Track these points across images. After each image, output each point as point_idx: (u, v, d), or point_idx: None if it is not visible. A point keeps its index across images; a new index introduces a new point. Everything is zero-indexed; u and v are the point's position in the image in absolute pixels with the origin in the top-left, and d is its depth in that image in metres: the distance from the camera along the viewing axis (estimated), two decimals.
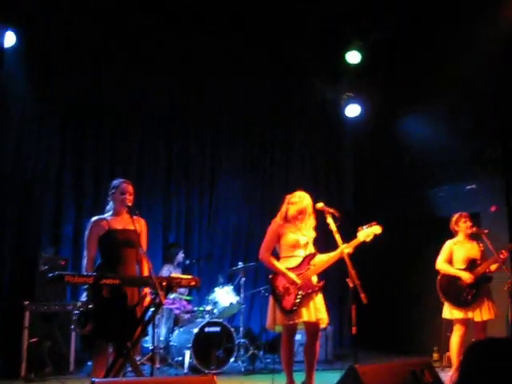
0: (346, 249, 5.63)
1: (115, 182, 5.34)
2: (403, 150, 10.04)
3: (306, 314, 5.63)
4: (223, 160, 10.31)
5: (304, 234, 5.89)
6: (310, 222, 5.92)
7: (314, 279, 5.81)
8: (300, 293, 5.64)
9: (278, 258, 5.92)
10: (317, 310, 5.70)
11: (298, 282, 5.66)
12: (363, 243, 5.82)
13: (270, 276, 5.83)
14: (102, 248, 5.19)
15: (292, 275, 5.68)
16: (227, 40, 9.79)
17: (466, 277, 6.59)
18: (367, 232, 5.81)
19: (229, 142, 10.42)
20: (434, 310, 7.60)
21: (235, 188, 10.29)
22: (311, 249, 5.94)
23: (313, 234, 5.96)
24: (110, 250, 5.17)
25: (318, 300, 5.77)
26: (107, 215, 5.29)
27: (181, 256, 8.78)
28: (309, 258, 5.84)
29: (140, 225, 5.28)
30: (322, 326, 5.93)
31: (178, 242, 9.33)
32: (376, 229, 5.86)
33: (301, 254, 5.86)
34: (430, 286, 7.12)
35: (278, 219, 5.95)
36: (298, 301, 5.61)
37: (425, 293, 8.63)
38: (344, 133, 11.33)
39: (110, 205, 5.34)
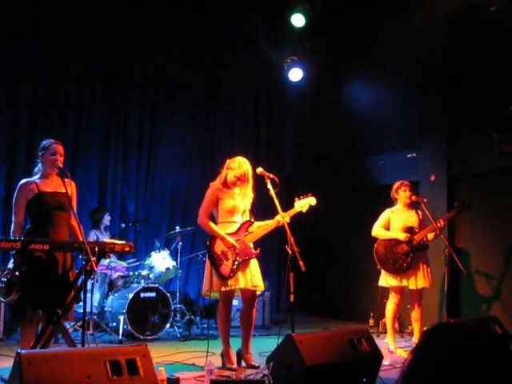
0: (283, 218, 5.58)
1: (45, 143, 5.07)
2: (345, 117, 10.01)
3: (243, 281, 5.59)
4: (163, 122, 10.05)
5: (242, 200, 5.81)
6: (249, 188, 5.84)
7: (251, 246, 5.76)
8: (237, 259, 5.58)
9: (215, 223, 5.83)
10: (253, 277, 5.68)
11: (237, 246, 5.59)
12: (300, 213, 5.81)
13: (208, 240, 5.74)
14: (31, 212, 4.96)
15: (231, 239, 5.64)
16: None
17: (402, 236, 6.63)
18: (303, 202, 5.84)
19: (169, 103, 10.17)
20: (370, 277, 7.67)
21: (174, 151, 10.08)
22: (247, 216, 5.88)
23: (249, 202, 5.89)
24: (40, 213, 4.94)
25: (254, 267, 5.76)
26: (36, 177, 5.05)
27: (107, 219, 8.54)
28: (246, 224, 5.80)
29: (71, 187, 5.05)
30: (258, 292, 5.93)
31: (102, 206, 9.07)
32: (311, 200, 5.88)
33: (238, 220, 5.82)
34: (367, 254, 7.16)
35: (216, 183, 5.86)
36: (235, 267, 5.56)
37: (362, 260, 8.72)
38: (286, 97, 11.20)
39: (39, 166, 5.09)
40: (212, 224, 5.78)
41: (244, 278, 5.62)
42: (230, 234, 5.71)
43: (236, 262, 5.59)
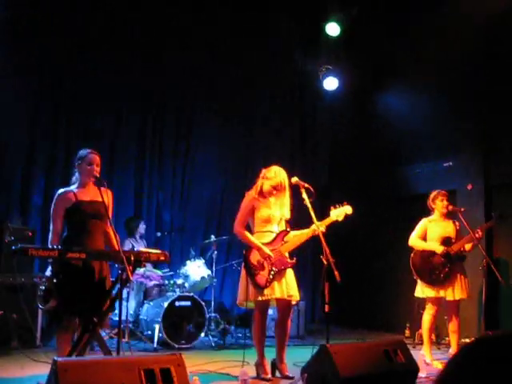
0: (319, 227, 5.55)
1: (82, 152, 5.13)
2: (380, 126, 9.94)
3: (279, 291, 5.56)
4: (199, 130, 10.13)
5: (278, 209, 5.79)
6: (285, 198, 5.82)
7: (287, 256, 5.73)
8: (273, 269, 5.56)
9: (251, 232, 5.82)
10: (289, 287, 5.64)
11: (273, 256, 5.57)
12: (335, 222, 5.78)
13: (244, 250, 5.73)
14: (69, 221, 5.02)
15: (267, 250, 5.61)
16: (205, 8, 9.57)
17: (437, 248, 6.55)
18: (339, 211, 5.78)
19: (205, 112, 10.23)
20: (407, 287, 7.57)
21: (210, 161, 10.15)
22: (283, 226, 5.86)
23: (287, 211, 5.87)
24: (77, 222, 5.00)
25: (290, 277, 5.72)
26: (73, 187, 5.11)
27: (142, 228, 8.62)
28: (282, 234, 5.76)
29: (107, 196, 5.11)
30: (293, 302, 5.90)
31: (138, 215, 9.14)
32: (347, 209, 5.82)
33: (274, 229, 5.79)
34: (403, 264, 7.08)
35: (252, 192, 5.85)
36: (271, 277, 5.54)
37: (398, 270, 8.62)
38: (321, 106, 11.19)
39: (76, 176, 5.16)
40: (248, 234, 5.76)
41: (280, 288, 5.59)
42: (266, 244, 5.68)
43: (272, 272, 5.56)
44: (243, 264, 5.74)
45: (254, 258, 5.65)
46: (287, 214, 5.87)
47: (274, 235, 5.75)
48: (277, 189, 5.76)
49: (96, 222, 5.05)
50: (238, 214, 5.84)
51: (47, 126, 8.73)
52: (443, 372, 1.29)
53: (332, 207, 5.82)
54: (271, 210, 5.77)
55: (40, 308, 4.87)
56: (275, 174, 5.81)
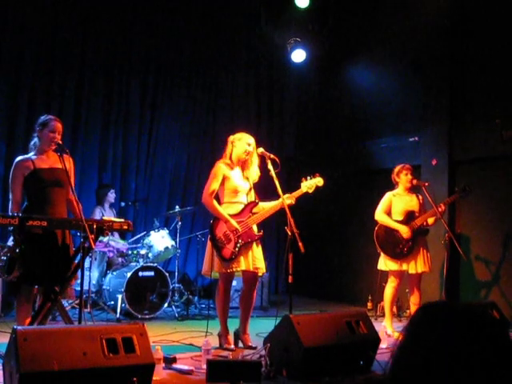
0: (287, 199, 5.54)
1: (44, 118, 5.00)
2: (347, 100, 9.94)
3: (244, 263, 5.56)
4: (163, 101, 9.97)
5: (248, 178, 5.76)
6: (254, 165, 5.76)
7: (255, 228, 5.71)
8: (240, 241, 5.53)
9: (219, 203, 5.77)
10: (255, 259, 5.64)
11: (240, 229, 5.54)
12: (305, 194, 5.75)
13: (211, 221, 5.69)
14: (28, 189, 4.92)
15: (234, 223, 5.56)
16: None
17: (404, 231, 6.59)
18: (310, 183, 5.74)
19: (170, 82, 10.07)
20: (370, 260, 7.65)
21: (174, 132, 10.03)
22: (252, 197, 5.83)
23: (256, 178, 5.82)
24: (37, 190, 4.90)
25: (257, 249, 5.70)
26: (31, 154, 4.98)
27: (111, 197, 8.51)
28: (251, 205, 5.72)
29: (69, 163, 5.00)
30: (260, 274, 5.89)
31: (108, 183, 9.02)
32: (318, 180, 5.80)
33: (243, 200, 5.73)
34: (367, 237, 7.14)
35: (222, 161, 5.77)
36: (237, 249, 5.52)
37: (362, 244, 8.70)
38: (288, 78, 11.12)
39: (35, 141, 5.01)
40: (216, 204, 5.68)
41: (246, 261, 5.57)
42: (234, 215, 5.63)
43: (238, 245, 5.53)
44: (209, 236, 5.71)
45: (221, 230, 5.60)
46: (255, 177, 5.82)
47: (242, 206, 5.70)
48: (247, 152, 5.71)
49: (56, 189, 4.95)
50: (207, 183, 5.73)
51: (7, 92, 8.49)
52: (401, 336, 1.31)
53: (303, 179, 5.78)
54: (240, 181, 5.72)
55: (3, 278, 4.77)
56: (242, 137, 5.76)
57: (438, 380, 1.20)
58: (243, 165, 5.78)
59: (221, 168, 5.72)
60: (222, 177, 5.69)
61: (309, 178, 5.78)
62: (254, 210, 5.72)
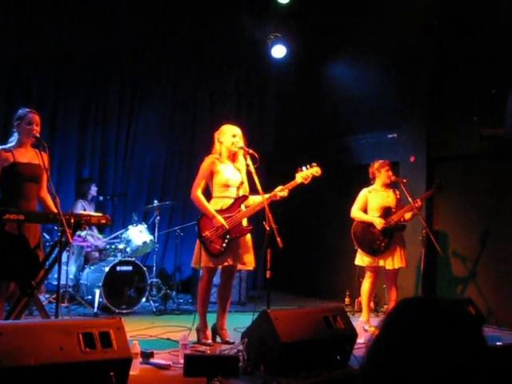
0: (281, 192, 5.53)
1: (21, 112, 4.98)
2: (327, 96, 9.95)
3: (231, 259, 5.56)
4: (143, 95, 9.91)
5: (240, 169, 5.75)
6: (241, 154, 5.74)
7: (244, 223, 5.68)
8: (228, 237, 5.51)
9: (210, 197, 5.75)
10: (244, 254, 5.64)
11: (226, 226, 5.52)
12: (301, 185, 5.68)
13: (198, 217, 5.67)
14: (3, 182, 4.87)
15: (220, 219, 5.52)
16: None
17: (377, 222, 6.64)
18: (306, 173, 5.64)
19: (150, 77, 10.01)
20: (347, 256, 7.69)
21: (153, 126, 9.96)
22: (245, 190, 5.81)
23: (244, 170, 5.78)
24: (13, 184, 4.87)
25: (245, 243, 5.70)
26: (11, 145, 4.95)
27: (94, 190, 8.47)
28: (240, 200, 5.69)
29: (44, 159, 4.97)
30: (250, 268, 5.92)
31: (90, 177, 8.98)
32: (316, 170, 5.71)
33: (233, 194, 5.70)
34: (345, 233, 7.17)
35: (210, 156, 5.75)
36: (224, 245, 5.50)
37: (339, 239, 8.73)
38: (268, 74, 11.11)
39: (15, 136, 5.00)
40: (203, 200, 5.64)
41: (233, 256, 5.58)
42: (223, 211, 5.59)
43: (226, 241, 5.51)
44: (196, 232, 5.68)
45: (206, 225, 5.56)
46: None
47: (231, 201, 5.67)
48: (234, 142, 5.66)
49: (31, 185, 4.94)
50: (196, 179, 5.73)
51: None
52: (376, 331, 1.32)
53: (299, 169, 5.66)
54: (230, 175, 5.69)
55: None
56: (226, 129, 5.75)
57: (412, 375, 1.21)
58: (233, 157, 5.77)
59: (208, 163, 5.71)
60: (210, 172, 5.68)
61: (304, 168, 5.67)
62: (245, 204, 5.70)
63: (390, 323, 1.31)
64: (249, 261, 5.70)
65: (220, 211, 5.60)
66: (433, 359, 1.20)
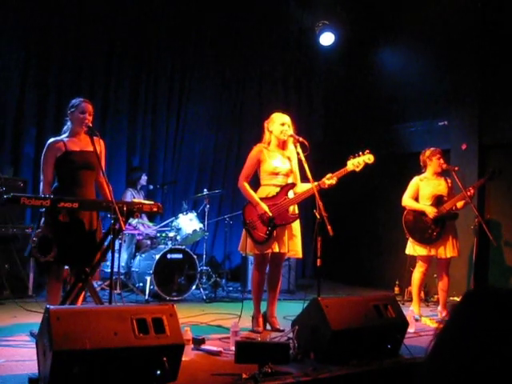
0: (329, 180, 5.47)
1: (74, 101, 5.06)
2: (375, 83, 9.84)
3: (277, 246, 5.55)
4: (192, 85, 9.98)
5: (290, 158, 5.73)
6: (291, 142, 5.70)
7: (292, 209, 5.66)
8: (272, 224, 5.51)
9: (259, 185, 5.76)
10: (290, 242, 5.63)
11: (269, 213, 5.52)
12: (352, 172, 5.59)
13: (244, 205, 5.71)
14: (58, 171, 4.98)
15: (264, 206, 5.53)
16: None
17: (429, 210, 6.55)
18: (357, 161, 5.54)
19: (198, 66, 10.08)
20: (398, 245, 7.61)
21: (202, 115, 10.04)
22: (295, 178, 5.78)
23: (295, 158, 5.74)
24: (67, 172, 4.96)
25: (293, 232, 5.67)
26: (64, 136, 5.05)
27: (144, 179, 8.60)
28: (287, 187, 5.67)
29: (100, 146, 5.05)
30: (297, 256, 5.87)
31: (140, 166, 9.11)
32: (368, 158, 5.59)
33: (281, 182, 5.68)
34: (395, 222, 7.10)
35: (259, 145, 5.77)
36: (268, 232, 5.50)
37: (390, 228, 8.65)
38: (317, 62, 11.05)
39: (68, 125, 5.09)
40: (248, 188, 5.67)
41: (278, 243, 5.56)
42: (268, 199, 5.59)
43: (269, 228, 5.51)
44: (242, 220, 5.71)
45: (250, 213, 5.59)
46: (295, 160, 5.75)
47: (278, 189, 5.66)
48: (283, 131, 5.64)
49: (86, 172, 5.01)
50: (243, 168, 5.78)
51: (38, 76, 8.54)
52: (442, 324, 1.28)
53: (350, 156, 5.56)
54: (278, 163, 5.68)
55: (37, 259, 4.82)
56: (276, 116, 5.74)
57: (479, 370, 1.17)
58: (283, 145, 5.76)
59: (256, 152, 5.73)
60: (257, 160, 5.70)
61: (357, 155, 5.56)
62: (293, 191, 5.69)
63: (457, 315, 1.27)
64: (295, 249, 5.68)
65: (266, 199, 5.60)
66: (503, 352, 1.16)
